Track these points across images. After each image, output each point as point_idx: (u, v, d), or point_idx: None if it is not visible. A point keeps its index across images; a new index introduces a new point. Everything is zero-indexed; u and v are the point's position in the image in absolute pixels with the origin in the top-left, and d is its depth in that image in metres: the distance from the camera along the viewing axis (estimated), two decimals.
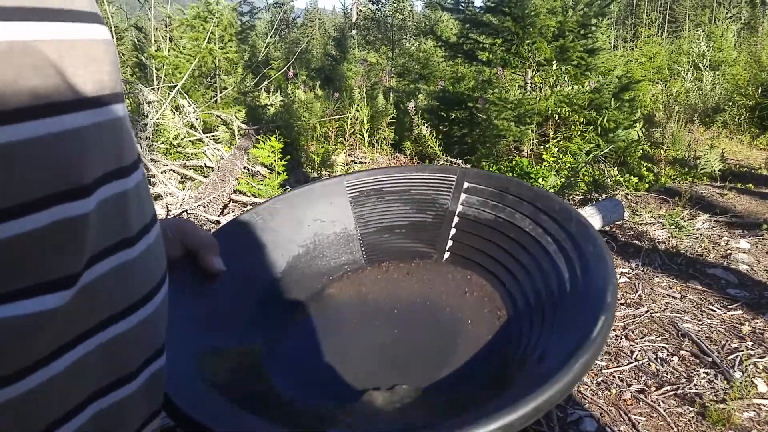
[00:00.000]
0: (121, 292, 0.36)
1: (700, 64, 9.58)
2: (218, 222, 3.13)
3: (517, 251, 0.66)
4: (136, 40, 6.89)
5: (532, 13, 5.17)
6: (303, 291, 0.71)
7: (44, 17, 0.31)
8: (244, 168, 4.37)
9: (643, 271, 2.90)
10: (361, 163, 5.69)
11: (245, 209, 3.66)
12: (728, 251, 3.12)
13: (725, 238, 3.35)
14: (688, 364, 2.04)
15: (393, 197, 0.79)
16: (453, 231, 0.75)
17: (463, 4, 5.99)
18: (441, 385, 0.54)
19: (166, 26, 6.37)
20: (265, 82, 7.10)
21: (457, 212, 0.75)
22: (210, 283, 0.60)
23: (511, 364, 0.54)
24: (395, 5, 16.06)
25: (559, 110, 5.18)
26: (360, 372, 0.58)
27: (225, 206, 3.63)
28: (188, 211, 3.07)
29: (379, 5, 17.32)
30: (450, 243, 0.75)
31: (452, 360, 0.57)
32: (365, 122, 6.04)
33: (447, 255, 0.74)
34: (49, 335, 0.31)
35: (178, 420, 0.44)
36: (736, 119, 7.50)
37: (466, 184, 0.75)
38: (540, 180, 4.40)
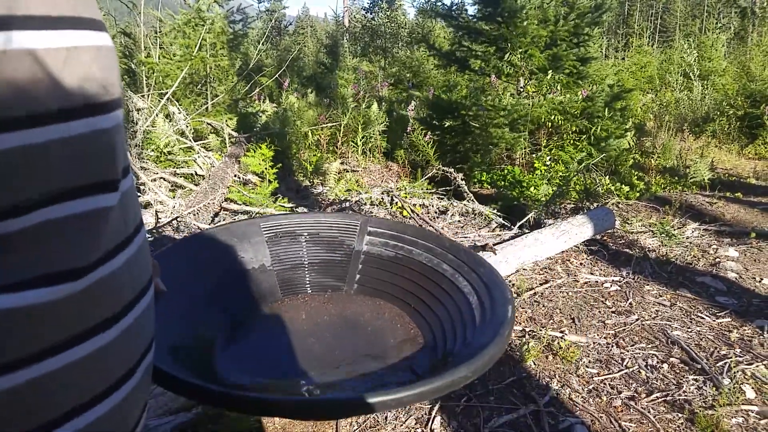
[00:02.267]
0: (129, 286, 0.38)
1: (690, 74, 9.68)
2: None
3: (418, 279, 0.78)
4: (124, 47, 6.84)
5: (524, 23, 5.20)
6: (237, 311, 0.82)
7: (46, 26, 0.30)
8: (235, 176, 4.35)
9: (633, 279, 2.91)
10: (353, 171, 5.67)
11: (235, 218, 3.65)
12: (717, 259, 3.14)
13: (714, 246, 3.37)
14: (678, 371, 2.04)
15: (305, 239, 0.90)
16: (360, 267, 0.86)
17: (456, 12, 6.01)
18: (372, 376, 0.65)
19: (156, 32, 6.35)
20: (257, 90, 7.09)
21: (362, 251, 0.86)
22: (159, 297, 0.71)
23: (430, 361, 0.68)
24: (388, 14, 16.13)
25: (552, 118, 5.20)
26: (300, 366, 0.67)
27: (216, 214, 3.61)
28: (178, 219, 3.05)
29: (372, 13, 17.41)
30: (358, 277, 0.86)
31: (381, 360, 0.67)
32: (359, 131, 6.03)
33: (356, 287, 0.85)
34: (57, 326, 0.31)
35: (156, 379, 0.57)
36: (726, 129, 7.57)
37: (369, 229, 0.87)
38: (532, 188, 4.41)
